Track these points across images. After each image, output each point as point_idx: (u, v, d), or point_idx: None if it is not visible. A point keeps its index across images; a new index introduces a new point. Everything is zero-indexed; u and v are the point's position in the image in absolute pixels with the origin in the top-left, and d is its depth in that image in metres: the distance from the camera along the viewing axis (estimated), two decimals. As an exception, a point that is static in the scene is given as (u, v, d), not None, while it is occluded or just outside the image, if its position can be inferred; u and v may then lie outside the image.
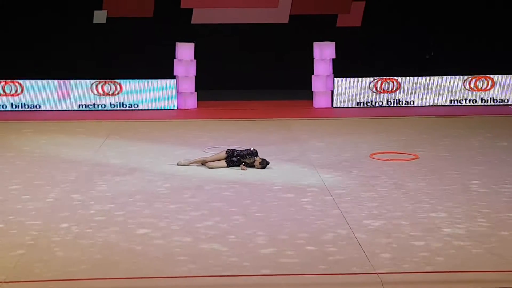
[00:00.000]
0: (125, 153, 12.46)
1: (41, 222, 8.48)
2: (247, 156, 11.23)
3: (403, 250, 7.51)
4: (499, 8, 19.45)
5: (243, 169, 11.07)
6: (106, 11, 19.23)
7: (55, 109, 17.49)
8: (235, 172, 10.97)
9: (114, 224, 8.40)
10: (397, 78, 17.97)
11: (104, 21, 19.23)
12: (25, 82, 17.51)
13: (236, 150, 11.37)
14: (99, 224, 8.41)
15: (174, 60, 17.96)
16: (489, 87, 18.00)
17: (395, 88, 17.95)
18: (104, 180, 10.51)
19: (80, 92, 17.61)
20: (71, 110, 17.46)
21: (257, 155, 11.27)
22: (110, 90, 17.68)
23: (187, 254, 7.40)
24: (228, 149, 11.43)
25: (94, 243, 7.76)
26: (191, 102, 17.90)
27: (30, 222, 8.46)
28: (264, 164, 11.16)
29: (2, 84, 17.47)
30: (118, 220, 8.58)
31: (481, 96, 18.00)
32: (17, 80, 17.51)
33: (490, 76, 18.02)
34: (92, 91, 17.63)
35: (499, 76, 18.00)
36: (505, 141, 13.41)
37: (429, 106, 17.89)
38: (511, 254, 7.40)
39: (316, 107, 17.94)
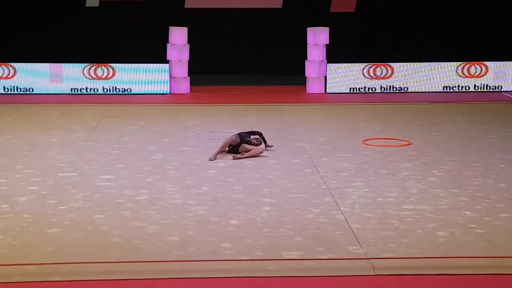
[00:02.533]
0: (117, 138, 12.44)
1: (36, 205, 8.48)
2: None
3: (395, 236, 7.54)
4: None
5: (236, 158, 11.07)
6: (99, -5, 19.15)
7: (47, 92, 17.42)
8: (228, 157, 10.96)
9: (105, 209, 8.41)
10: (390, 64, 17.97)
11: (97, 5, 19.13)
12: (18, 65, 17.43)
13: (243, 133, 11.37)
14: (91, 209, 8.42)
15: (167, 44, 17.91)
16: (482, 73, 18.01)
17: (388, 74, 17.95)
18: (95, 166, 10.49)
19: (73, 75, 17.53)
20: (64, 94, 17.40)
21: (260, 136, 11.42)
22: (102, 74, 17.62)
23: (181, 241, 7.43)
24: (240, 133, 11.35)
25: (89, 227, 7.77)
26: (184, 86, 17.87)
27: (23, 207, 8.47)
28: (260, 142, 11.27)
29: (-6, 67, 17.42)
30: (107, 205, 8.59)
31: (474, 83, 18.01)
32: (10, 63, 17.42)
33: (483, 62, 18.02)
34: (84, 75, 17.57)
35: (493, 62, 18.01)
36: (497, 127, 13.44)
37: (422, 92, 17.90)
38: (501, 240, 7.44)
39: (309, 92, 17.93)
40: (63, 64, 17.53)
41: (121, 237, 7.46)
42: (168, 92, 17.69)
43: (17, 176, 9.80)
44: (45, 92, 17.40)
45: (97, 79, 17.60)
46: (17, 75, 17.42)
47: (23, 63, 17.42)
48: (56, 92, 17.45)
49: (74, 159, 10.81)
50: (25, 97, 17.12)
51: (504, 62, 18.03)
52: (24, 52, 18.22)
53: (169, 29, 17.88)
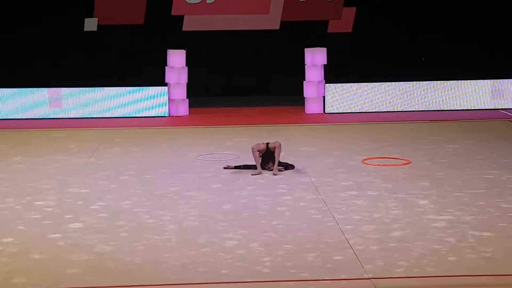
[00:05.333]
0: (116, 162, 12.43)
1: (34, 231, 8.47)
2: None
3: (396, 255, 7.52)
4: (490, 14, 19.50)
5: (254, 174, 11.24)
6: (97, 19, 19.21)
7: (46, 117, 17.43)
8: (229, 176, 10.95)
9: (104, 234, 8.39)
10: (389, 83, 18.00)
11: (95, 29, 19.22)
12: (16, 90, 17.45)
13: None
14: (88, 233, 8.40)
15: (166, 67, 17.96)
16: (480, 91, 18.03)
17: (387, 94, 17.97)
18: (94, 191, 10.48)
19: (72, 100, 17.57)
20: (63, 118, 17.41)
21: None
22: (101, 97, 17.63)
23: (177, 262, 7.40)
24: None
25: (87, 252, 7.75)
26: (183, 109, 17.89)
27: (21, 233, 8.45)
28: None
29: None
30: (107, 229, 8.57)
31: (472, 101, 18.01)
32: (8, 89, 17.46)
33: (481, 80, 18.06)
34: (83, 99, 17.59)
35: (490, 80, 18.04)
36: (497, 144, 13.45)
37: (421, 111, 17.90)
38: (502, 258, 7.42)
39: (308, 113, 17.95)
40: (62, 88, 17.56)
41: (120, 262, 7.43)
42: (167, 114, 17.71)
43: (15, 202, 9.78)
44: (43, 117, 17.42)
45: (96, 102, 17.61)
46: (15, 100, 17.44)
47: (21, 88, 17.45)
48: (55, 117, 17.45)
49: (73, 184, 10.78)
50: (23, 122, 17.09)
51: (502, 80, 18.07)
52: (21, 77, 18.24)
53: (167, 52, 17.94)
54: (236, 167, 11.53)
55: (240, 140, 14.32)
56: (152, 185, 10.62)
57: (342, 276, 6.98)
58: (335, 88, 17.91)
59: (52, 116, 17.45)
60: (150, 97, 17.70)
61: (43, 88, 17.52)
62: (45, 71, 18.64)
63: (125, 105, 17.67)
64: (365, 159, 12.20)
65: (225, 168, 11.55)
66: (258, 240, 8.02)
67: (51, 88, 17.54)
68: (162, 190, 10.34)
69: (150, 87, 17.71)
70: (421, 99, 18.01)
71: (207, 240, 8.05)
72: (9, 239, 8.14)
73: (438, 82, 18.01)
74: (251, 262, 7.38)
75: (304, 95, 18.07)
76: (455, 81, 18.03)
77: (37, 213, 9.17)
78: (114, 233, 8.34)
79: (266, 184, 10.61)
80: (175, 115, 17.75)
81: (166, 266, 7.27)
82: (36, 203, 9.67)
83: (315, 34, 19.21)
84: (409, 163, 11.96)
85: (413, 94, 18.01)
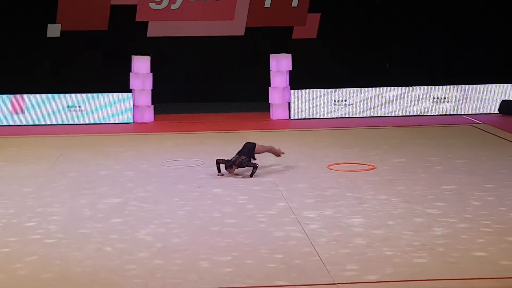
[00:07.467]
0: (79, 169, 12.29)
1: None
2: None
3: (362, 260, 7.53)
4: (456, 17, 19.71)
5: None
6: (60, 25, 19.02)
7: (8, 123, 17.21)
8: (191, 181, 10.90)
9: (70, 242, 8.29)
10: (353, 89, 18.09)
11: (58, 35, 19.02)
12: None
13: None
14: (54, 243, 8.29)
15: (130, 73, 17.84)
16: (444, 97, 18.20)
17: (351, 99, 18.05)
18: (56, 200, 10.35)
19: (34, 106, 17.36)
20: (26, 125, 17.19)
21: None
22: (64, 104, 17.45)
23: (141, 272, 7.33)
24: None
25: (51, 262, 7.64)
26: (148, 115, 17.78)
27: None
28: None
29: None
30: (70, 238, 8.46)
31: (436, 106, 18.17)
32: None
33: (445, 86, 18.23)
34: (46, 105, 17.39)
35: (454, 86, 18.23)
36: (460, 150, 13.56)
37: (385, 116, 18.01)
38: (467, 262, 7.47)
39: (273, 119, 17.97)
40: (25, 95, 17.36)
41: (87, 270, 7.34)
42: (132, 121, 17.58)
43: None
44: (5, 124, 17.19)
45: (59, 109, 17.43)
46: (-22, 107, 17.23)
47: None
48: (18, 123, 17.24)
49: (35, 192, 10.63)
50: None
51: (465, 86, 18.26)
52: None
53: (132, 58, 17.83)
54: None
55: (205, 146, 14.26)
56: (116, 192, 10.51)
57: (308, 282, 6.96)
58: (300, 94, 17.96)
59: (13, 123, 17.22)
60: (115, 104, 17.56)
61: (5, 95, 17.29)
62: (7, 77, 18.39)
63: (89, 111, 17.50)
64: (330, 165, 12.22)
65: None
66: (222, 248, 7.97)
67: (14, 95, 17.31)
68: (127, 195, 10.24)
69: (115, 94, 17.58)
70: (386, 105, 18.12)
71: (177, 247, 7.99)
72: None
73: (403, 88, 18.15)
74: (215, 270, 7.33)
75: (270, 101, 18.08)
76: (419, 86, 18.18)
77: (-2, 222, 9.05)
78: (77, 242, 8.24)
79: (229, 191, 10.56)
80: (140, 121, 17.63)
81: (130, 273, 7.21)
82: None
83: (280, 40, 19.25)
84: (374, 168, 12.01)
85: (378, 100, 18.12)
